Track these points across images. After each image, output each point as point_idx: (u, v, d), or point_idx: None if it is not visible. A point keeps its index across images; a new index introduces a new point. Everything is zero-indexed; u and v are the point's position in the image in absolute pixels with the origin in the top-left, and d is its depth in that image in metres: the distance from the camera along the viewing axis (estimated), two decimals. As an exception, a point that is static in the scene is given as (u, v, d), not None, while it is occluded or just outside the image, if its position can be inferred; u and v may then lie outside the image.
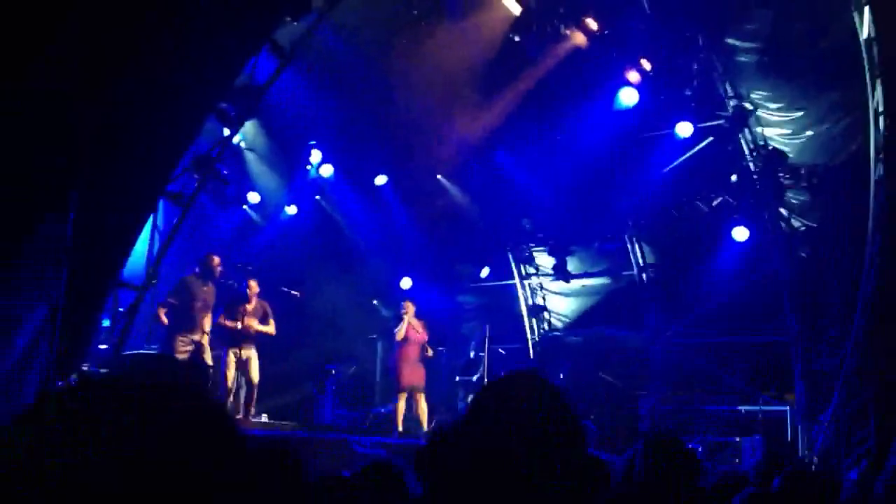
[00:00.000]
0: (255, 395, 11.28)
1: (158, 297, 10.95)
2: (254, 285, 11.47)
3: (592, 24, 13.06)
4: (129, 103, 9.04)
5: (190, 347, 10.74)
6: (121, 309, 10.47)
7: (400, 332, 12.43)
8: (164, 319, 10.84)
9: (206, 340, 10.97)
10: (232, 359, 11.22)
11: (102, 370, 9.85)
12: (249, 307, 11.36)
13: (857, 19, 11.08)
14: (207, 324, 10.96)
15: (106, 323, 10.44)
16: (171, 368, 10.04)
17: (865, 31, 10.99)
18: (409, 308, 12.61)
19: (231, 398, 10.99)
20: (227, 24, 9.59)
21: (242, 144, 13.85)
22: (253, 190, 14.37)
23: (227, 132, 11.18)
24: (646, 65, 13.33)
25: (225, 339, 11.33)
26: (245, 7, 9.80)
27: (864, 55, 11.17)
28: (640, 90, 13.44)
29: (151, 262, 10.51)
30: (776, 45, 12.15)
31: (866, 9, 10.84)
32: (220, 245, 12.87)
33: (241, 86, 10.85)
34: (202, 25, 9.25)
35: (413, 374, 12.42)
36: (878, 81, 11.10)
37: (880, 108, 11.22)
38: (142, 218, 10.07)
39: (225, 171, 11.85)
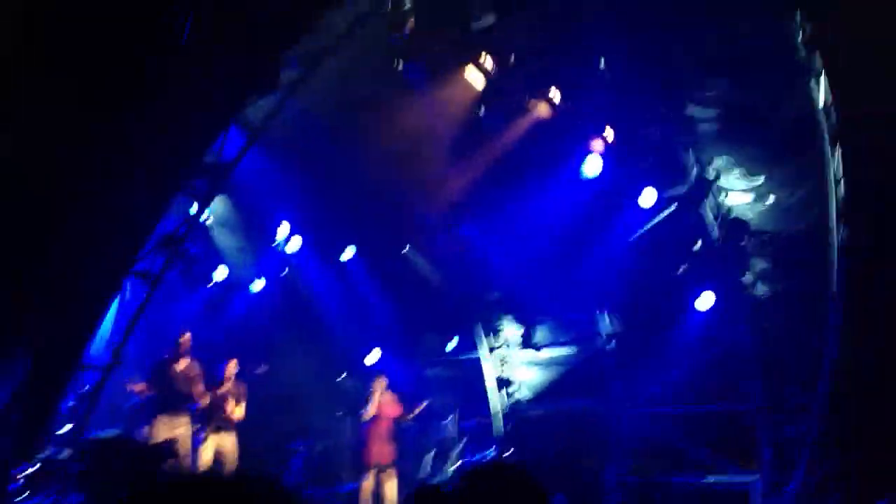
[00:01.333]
0: None
1: (123, 377, 10.75)
2: (232, 367, 11.39)
3: (555, 95, 13.22)
4: (95, 181, 8.94)
5: (178, 430, 10.71)
6: (84, 389, 10.24)
7: (369, 411, 12.27)
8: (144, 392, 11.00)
9: (188, 423, 10.94)
10: (210, 444, 11.12)
11: (63, 453, 9.64)
12: (225, 389, 11.25)
13: (814, 87, 11.35)
14: (198, 394, 10.93)
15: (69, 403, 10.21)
16: (131, 452, 9.84)
17: (822, 99, 11.25)
18: (379, 385, 12.48)
19: None
20: (196, 102, 9.58)
21: (210, 220, 13.76)
22: (221, 265, 14.25)
23: (194, 209, 11.08)
24: (609, 135, 13.48)
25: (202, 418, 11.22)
26: (214, 86, 9.80)
27: (823, 123, 11.43)
28: (604, 160, 13.56)
29: (116, 341, 10.32)
30: (733, 113, 12.36)
31: (822, 77, 11.11)
32: (188, 322, 12.71)
33: (210, 162, 10.80)
34: (170, 103, 9.22)
35: (382, 450, 12.26)
36: (837, 148, 11.36)
37: (839, 175, 11.47)
38: (108, 298, 9.90)
39: (193, 249, 11.73)
